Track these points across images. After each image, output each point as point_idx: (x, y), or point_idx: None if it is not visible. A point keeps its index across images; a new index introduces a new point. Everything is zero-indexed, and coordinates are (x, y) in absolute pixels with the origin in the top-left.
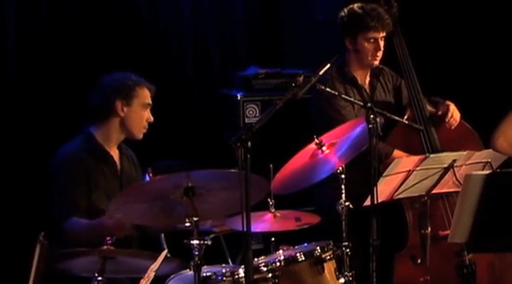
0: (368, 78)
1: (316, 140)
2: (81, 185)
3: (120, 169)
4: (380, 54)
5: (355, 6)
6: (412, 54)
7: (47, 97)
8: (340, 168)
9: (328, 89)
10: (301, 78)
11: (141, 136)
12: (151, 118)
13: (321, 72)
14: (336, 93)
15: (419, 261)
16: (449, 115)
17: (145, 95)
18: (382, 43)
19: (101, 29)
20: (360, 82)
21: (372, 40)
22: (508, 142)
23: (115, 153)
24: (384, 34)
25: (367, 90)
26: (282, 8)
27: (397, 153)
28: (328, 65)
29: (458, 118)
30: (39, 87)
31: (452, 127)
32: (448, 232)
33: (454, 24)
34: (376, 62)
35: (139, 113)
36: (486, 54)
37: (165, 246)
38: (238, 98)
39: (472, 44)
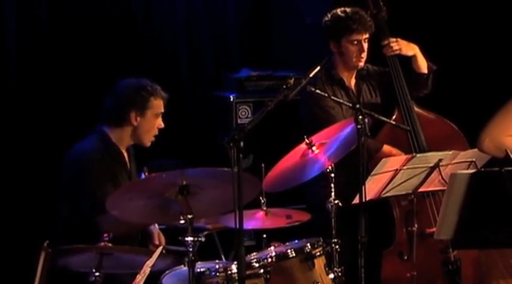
0: (354, 80)
1: (306, 140)
2: (107, 181)
3: (129, 170)
4: (364, 55)
5: (338, 10)
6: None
7: (45, 97)
8: (330, 167)
9: (318, 91)
10: (292, 80)
11: (149, 144)
12: (162, 125)
13: (311, 74)
14: (326, 95)
15: (406, 257)
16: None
17: (159, 106)
18: (365, 45)
19: (98, 32)
20: (346, 84)
21: (356, 42)
22: (494, 143)
23: (125, 154)
24: (367, 36)
25: (354, 91)
26: (272, 13)
27: (386, 147)
28: (318, 68)
29: (400, 47)
30: (38, 87)
31: (392, 50)
32: (434, 229)
33: (441, 26)
34: (361, 64)
35: (152, 122)
36: (471, 55)
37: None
38: (231, 100)
39: (458, 45)
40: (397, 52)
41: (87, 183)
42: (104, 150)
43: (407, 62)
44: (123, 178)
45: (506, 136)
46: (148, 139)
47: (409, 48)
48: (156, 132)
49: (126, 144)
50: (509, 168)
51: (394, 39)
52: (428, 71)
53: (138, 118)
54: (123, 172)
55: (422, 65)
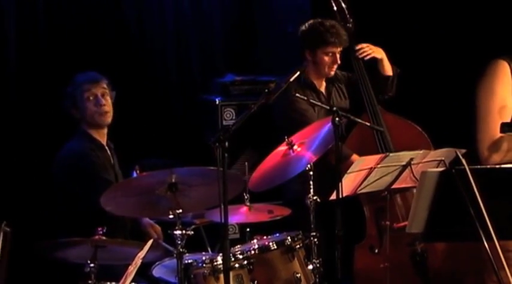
0: (324, 84)
1: (287, 140)
2: (101, 169)
3: (113, 163)
4: (335, 66)
5: (316, 21)
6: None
7: (44, 98)
8: (309, 165)
9: (297, 94)
10: (273, 85)
11: (106, 121)
12: (102, 101)
13: (291, 79)
14: (305, 98)
15: (376, 250)
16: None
17: (87, 89)
18: (338, 56)
19: (94, 39)
20: (317, 88)
21: (330, 54)
22: (497, 151)
23: (107, 148)
24: (341, 49)
25: (325, 95)
26: (256, 22)
27: (355, 156)
28: (298, 73)
29: (372, 51)
30: (37, 88)
31: (366, 53)
32: (403, 223)
33: (407, 34)
34: (332, 73)
35: (85, 106)
36: (434, 59)
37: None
38: (217, 103)
39: (420, 49)
40: (370, 56)
41: (85, 173)
42: (91, 145)
43: (374, 65)
44: (110, 168)
45: (496, 137)
46: (98, 119)
47: (378, 52)
48: (101, 110)
49: (103, 136)
50: (459, 167)
51: (365, 45)
52: (393, 74)
53: (77, 110)
54: (110, 164)
55: (388, 68)
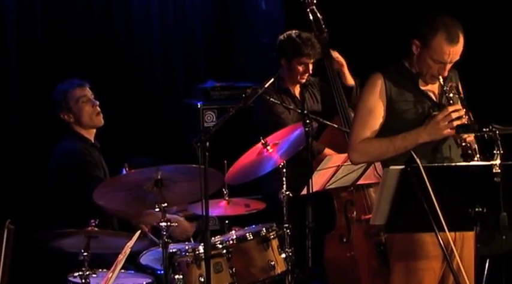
0: (298, 89)
1: (262, 141)
2: (94, 166)
3: (101, 160)
4: (307, 75)
5: (293, 33)
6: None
7: (41, 100)
8: (282, 163)
9: (272, 99)
10: (250, 90)
11: (99, 123)
12: (96, 103)
13: (266, 85)
14: (278, 102)
15: (345, 240)
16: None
17: (76, 93)
18: (311, 67)
19: (86, 49)
20: (292, 92)
21: (304, 65)
22: (361, 154)
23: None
24: (314, 60)
25: (299, 99)
26: (234, 33)
27: (327, 150)
28: (272, 79)
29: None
30: (35, 90)
31: (341, 62)
32: (369, 216)
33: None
34: (303, 81)
35: (83, 108)
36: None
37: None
38: (199, 106)
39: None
40: (342, 64)
41: (79, 170)
42: (84, 145)
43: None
44: (100, 165)
45: (360, 142)
46: (95, 120)
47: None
48: (96, 110)
49: (92, 135)
50: (414, 165)
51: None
52: (356, 84)
53: (68, 116)
54: (99, 161)
55: (349, 78)
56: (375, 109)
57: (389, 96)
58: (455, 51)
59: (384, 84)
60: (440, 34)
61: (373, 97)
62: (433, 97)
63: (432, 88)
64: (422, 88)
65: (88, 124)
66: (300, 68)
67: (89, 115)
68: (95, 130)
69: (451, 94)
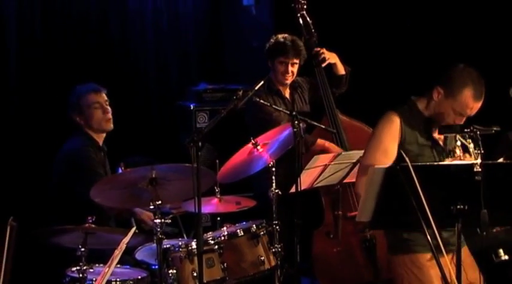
0: (288, 90)
1: (252, 141)
2: (99, 168)
3: (105, 163)
4: (289, 76)
5: (280, 36)
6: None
7: (41, 101)
8: (272, 163)
9: (261, 101)
10: (240, 92)
11: (109, 127)
12: (109, 110)
13: (256, 87)
14: (268, 104)
15: (332, 236)
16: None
17: (89, 98)
18: (291, 67)
19: (83, 52)
20: (283, 94)
21: (283, 63)
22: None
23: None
24: (295, 61)
25: (289, 100)
26: (225, 38)
27: (320, 140)
28: (262, 82)
29: (329, 57)
30: (35, 92)
31: (326, 59)
32: (355, 213)
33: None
34: (287, 81)
35: (93, 113)
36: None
37: (134, 225)
38: (191, 108)
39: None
40: (327, 62)
41: (84, 170)
42: (91, 145)
43: (329, 67)
44: (103, 167)
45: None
46: (104, 126)
47: (333, 57)
48: (107, 116)
49: (101, 139)
50: (403, 164)
51: (324, 51)
52: (346, 72)
53: (81, 117)
54: (102, 163)
55: (341, 68)
56: (389, 150)
57: (403, 138)
58: (477, 107)
59: (400, 125)
60: (468, 89)
61: (389, 138)
62: (441, 143)
63: (440, 135)
64: (434, 134)
65: (97, 129)
66: (281, 68)
67: (99, 120)
68: (104, 134)
69: (459, 143)
